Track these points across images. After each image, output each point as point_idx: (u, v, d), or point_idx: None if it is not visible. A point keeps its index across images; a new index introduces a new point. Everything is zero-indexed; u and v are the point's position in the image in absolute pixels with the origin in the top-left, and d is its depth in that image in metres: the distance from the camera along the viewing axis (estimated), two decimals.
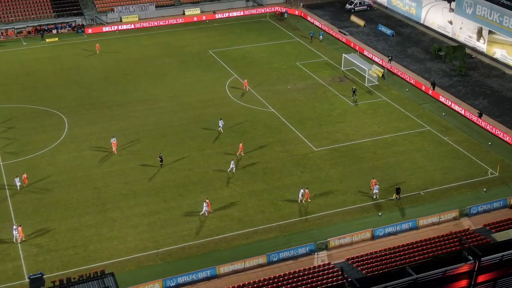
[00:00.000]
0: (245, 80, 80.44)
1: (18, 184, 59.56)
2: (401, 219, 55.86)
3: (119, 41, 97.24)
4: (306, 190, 58.50)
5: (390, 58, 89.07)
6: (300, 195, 58.39)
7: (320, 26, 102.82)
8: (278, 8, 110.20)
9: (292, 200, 58.54)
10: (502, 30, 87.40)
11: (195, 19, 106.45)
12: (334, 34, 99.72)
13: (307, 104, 76.99)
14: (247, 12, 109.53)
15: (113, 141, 65.89)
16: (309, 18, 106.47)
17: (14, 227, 52.99)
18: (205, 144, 67.90)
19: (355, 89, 78.87)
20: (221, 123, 70.19)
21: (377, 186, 58.76)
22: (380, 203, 58.30)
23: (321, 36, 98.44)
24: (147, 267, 50.44)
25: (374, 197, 58.47)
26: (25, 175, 60.60)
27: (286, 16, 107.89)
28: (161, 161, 63.36)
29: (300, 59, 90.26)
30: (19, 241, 52.59)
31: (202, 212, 56.43)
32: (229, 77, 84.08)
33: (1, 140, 68.11)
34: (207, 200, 56.60)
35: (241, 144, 65.81)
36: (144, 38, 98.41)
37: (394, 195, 58.87)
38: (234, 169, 62.57)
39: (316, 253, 51.87)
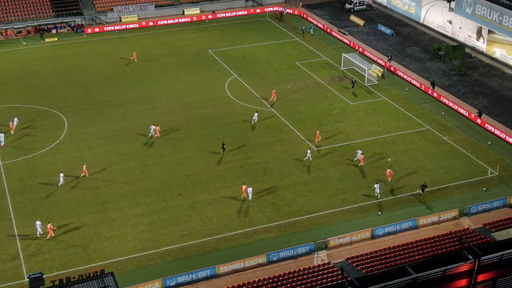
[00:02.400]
0: (274, 91, 77.90)
1: (62, 180, 60.01)
2: (401, 218, 55.84)
3: (118, 41, 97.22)
4: (362, 155, 63.35)
5: (389, 58, 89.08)
6: (358, 155, 63.75)
7: (321, 27, 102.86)
8: (278, 8, 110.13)
9: (292, 200, 58.60)
10: (502, 29, 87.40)
11: (194, 18, 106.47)
12: (333, 34, 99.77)
13: (307, 103, 76.99)
14: (246, 12, 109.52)
15: (156, 128, 68.96)
16: (309, 18, 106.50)
17: (38, 222, 53.27)
18: (205, 143, 67.90)
19: (354, 81, 79.99)
20: (255, 115, 71.29)
21: (378, 185, 59.06)
22: (380, 202, 58.32)
23: (311, 30, 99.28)
24: (146, 266, 50.44)
25: (377, 196, 58.86)
26: (85, 166, 61.56)
27: (285, 13, 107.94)
28: (223, 148, 65.43)
29: (299, 59, 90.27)
30: (47, 237, 52.95)
31: (249, 199, 58.07)
32: (229, 77, 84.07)
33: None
34: (244, 186, 58.48)
35: (318, 131, 67.58)
36: (144, 38, 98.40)
37: (418, 190, 59.38)
38: (310, 158, 64.18)
39: (316, 252, 51.87)
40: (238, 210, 57.44)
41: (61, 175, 60.37)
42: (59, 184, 60.07)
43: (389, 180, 61.24)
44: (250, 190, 58.40)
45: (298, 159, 65.03)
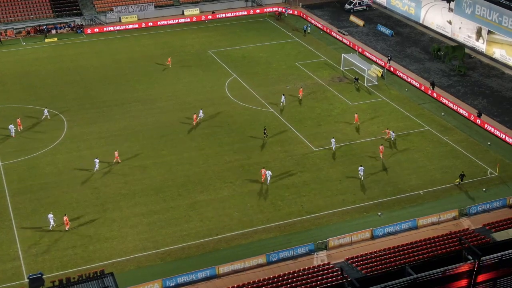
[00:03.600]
0: (301, 88, 78.95)
1: (97, 165, 62.48)
2: (400, 218, 55.84)
3: (118, 41, 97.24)
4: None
5: (389, 58, 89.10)
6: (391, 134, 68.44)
7: (321, 27, 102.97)
8: (277, 9, 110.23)
9: (291, 200, 58.60)
10: (501, 30, 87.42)
11: (194, 19, 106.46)
12: (333, 34, 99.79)
13: (307, 104, 76.99)
14: (246, 12, 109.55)
15: (199, 113, 72.36)
16: (308, 18, 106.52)
17: (51, 215, 54.05)
18: (204, 143, 67.89)
19: (357, 77, 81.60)
20: (283, 98, 75.49)
21: (362, 168, 61.58)
22: (381, 202, 58.34)
23: (309, 28, 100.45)
24: (146, 267, 50.43)
25: (361, 178, 61.66)
26: (117, 153, 63.91)
27: (286, 15, 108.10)
28: (265, 133, 68.66)
29: (299, 59, 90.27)
30: (66, 229, 54.16)
31: (268, 181, 60.57)
32: (229, 77, 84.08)
33: (0, 140, 68.10)
34: (263, 170, 61.09)
35: (356, 115, 71.65)
36: (143, 38, 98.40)
37: (457, 179, 60.55)
38: (334, 146, 66.21)
39: (315, 253, 51.87)
40: (258, 193, 59.16)
41: (96, 160, 62.43)
42: (95, 170, 62.18)
43: (380, 156, 64.57)
44: (269, 173, 60.53)
45: (298, 159, 65.04)
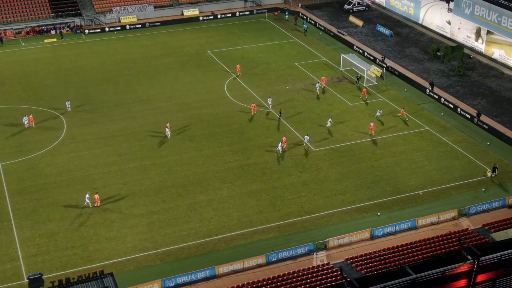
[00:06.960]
0: (323, 77, 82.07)
1: (169, 132, 68.70)
2: (400, 219, 55.87)
3: (117, 42, 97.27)
4: (371, 124, 69.20)
5: (383, 57, 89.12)
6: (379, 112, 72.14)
7: (319, 27, 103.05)
8: (278, 9, 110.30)
9: (291, 200, 58.61)
10: (501, 30, 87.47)
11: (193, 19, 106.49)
12: (332, 34, 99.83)
13: (306, 104, 77.02)
14: (246, 13, 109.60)
15: (268, 101, 75.68)
16: (308, 19, 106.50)
17: (87, 195, 57.19)
18: (204, 144, 67.91)
19: (359, 76, 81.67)
20: (318, 85, 79.44)
21: (308, 137, 66.24)
22: (380, 203, 58.37)
23: (304, 25, 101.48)
24: (146, 267, 50.44)
25: (305, 146, 66.26)
26: (168, 124, 69.16)
27: (287, 17, 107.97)
28: (280, 115, 72.54)
29: (298, 59, 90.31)
30: (94, 206, 57.24)
31: (278, 149, 65.46)
32: (228, 78, 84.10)
33: (0, 141, 68.29)
34: (284, 138, 66.11)
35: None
36: (143, 39, 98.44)
37: (490, 172, 61.56)
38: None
39: (315, 253, 51.90)
40: (257, 193, 59.84)
41: (167, 129, 68.14)
42: (168, 136, 68.14)
43: (371, 133, 69.01)
44: (280, 145, 65.56)
45: (297, 159, 65.06)
